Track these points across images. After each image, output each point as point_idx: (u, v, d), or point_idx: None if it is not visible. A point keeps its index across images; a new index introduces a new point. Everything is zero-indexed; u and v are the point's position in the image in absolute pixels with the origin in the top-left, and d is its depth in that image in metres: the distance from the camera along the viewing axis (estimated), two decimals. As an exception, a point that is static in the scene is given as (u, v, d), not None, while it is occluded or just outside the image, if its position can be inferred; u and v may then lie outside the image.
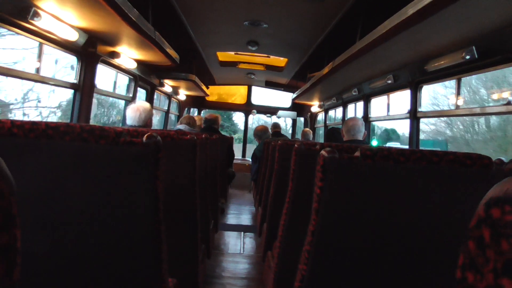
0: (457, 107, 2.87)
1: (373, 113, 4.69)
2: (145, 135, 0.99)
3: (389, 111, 4.20)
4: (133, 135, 1.12)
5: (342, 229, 1.06)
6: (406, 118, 3.54)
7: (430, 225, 1.04)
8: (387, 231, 1.05)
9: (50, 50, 2.81)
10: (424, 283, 1.08)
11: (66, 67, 3.07)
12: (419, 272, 1.07)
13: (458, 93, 2.84)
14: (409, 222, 1.04)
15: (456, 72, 2.77)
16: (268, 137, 4.92)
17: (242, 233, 4.13)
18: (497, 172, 1.03)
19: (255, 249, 3.58)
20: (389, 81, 3.65)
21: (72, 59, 3.20)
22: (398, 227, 1.05)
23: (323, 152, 1.04)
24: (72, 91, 3.27)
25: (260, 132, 5.24)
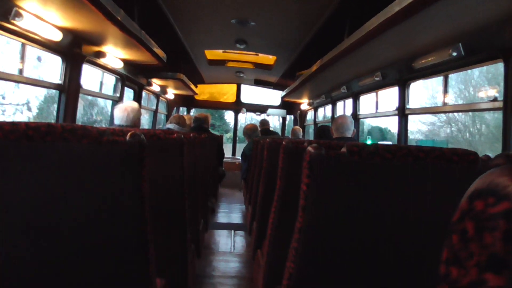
0: (445, 104, 2.89)
1: (362, 111, 4.71)
2: (129, 134, 0.97)
3: (377, 109, 4.22)
4: (118, 135, 1.10)
5: (329, 226, 1.06)
6: (394, 115, 3.56)
7: (418, 222, 1.04)
8: (374, 228, 1.05)
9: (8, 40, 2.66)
10: (412, 280, 1.08)
11: (30, 58, 2.91)
12: (407, 269, 1.07)
13: (445, 90, 2.87)
14: (396, 219, 1.04)
15: (443, 69, 2.80)
16: (257, 136, 4.91)
17: (233, 231, 4.12)
18: (483, 168, 1.03)
19: (245, 247, 3.58)
20: (377, 79, 3.67)
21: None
22: (385, 223, 1.04)
23: (309, 148, 1.03)
24: (40, 89, 3.19)
25: (249, 131, 5.23)
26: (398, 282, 1.08)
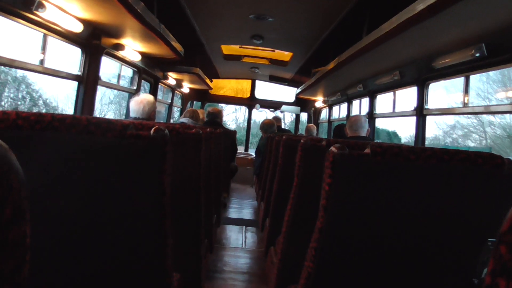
0: (465, 104, 2.84)
1: (378, 110, 4.66)
2: (153, 129, 0.98)
3: (395, 108, 4.16)
4: (138, 128, 1.10)
5: (351, 227, 1.05)
6: (412, 115, 3.52)
7: (441, 224, 1.03)
8: (396, 229, 1.04)
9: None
10: (434, 282, 1.07)
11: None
12: (429, 271, 1.06)
13: (466, 91, 2.81)
14: (419, 220, 1.03)
15: (464, 69, 2.74)
16: (274, 131, 4.86)
17: (244, 227, 4.12)
18: (509, 172, 1.01)
19: (256, 243, 3.58)
20: (396, 78, 3.62)
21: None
22: (408, 225, 1.03)
23: (333, 148, 1.02)
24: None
25: (266, 125, 5.12)
26: (421, 285, 1.07)
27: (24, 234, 0.35)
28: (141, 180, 0.99)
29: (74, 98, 3.33)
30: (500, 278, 0.31)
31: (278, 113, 8.20)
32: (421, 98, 3.34)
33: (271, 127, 5.08)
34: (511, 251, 0.31)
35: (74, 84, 3.32)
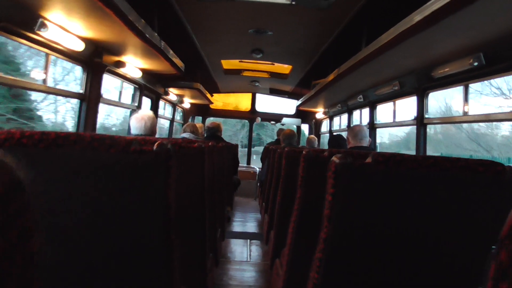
0: (465, 113, 2.85)
1: (379, 120, 4.66)
2: (156, 143, 0.98)
3: (395, 118, 4.17)
4: (142, 144, 1.11)
5: (355, 236, 1.05)
6: (412, 124, 3.52)
7: (444, 232, 1.03)
8: (400, 238, 1.04)
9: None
10: None
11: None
12: (435, 279, 1.05)
13: (465, 100, 2.82)
14: (422, 229, 1.03)
15: (463, 78, 2.76)
16: (295, 142, 4.64)
17: (249, 240, 4.10)
18: (510, 179, 1.01)
19: (261, 257, 3.56)
20: (395, 88, 3.64)
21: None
22: (411, 233, 1.03)
23: (334, 158, 1.03)
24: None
25: (288, 136, 4.59)
26: None
27: (31, 254, 0.35)
28: (146, 195, 0.99)
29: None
30: (502, 283, 0.31)
31: (279, 125, 8.22)
32: (421, 107, 3.36)
33: (292, 138, 4.52)
34: (511, 256, 0.31)
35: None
